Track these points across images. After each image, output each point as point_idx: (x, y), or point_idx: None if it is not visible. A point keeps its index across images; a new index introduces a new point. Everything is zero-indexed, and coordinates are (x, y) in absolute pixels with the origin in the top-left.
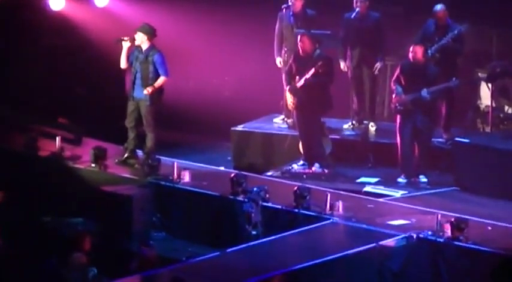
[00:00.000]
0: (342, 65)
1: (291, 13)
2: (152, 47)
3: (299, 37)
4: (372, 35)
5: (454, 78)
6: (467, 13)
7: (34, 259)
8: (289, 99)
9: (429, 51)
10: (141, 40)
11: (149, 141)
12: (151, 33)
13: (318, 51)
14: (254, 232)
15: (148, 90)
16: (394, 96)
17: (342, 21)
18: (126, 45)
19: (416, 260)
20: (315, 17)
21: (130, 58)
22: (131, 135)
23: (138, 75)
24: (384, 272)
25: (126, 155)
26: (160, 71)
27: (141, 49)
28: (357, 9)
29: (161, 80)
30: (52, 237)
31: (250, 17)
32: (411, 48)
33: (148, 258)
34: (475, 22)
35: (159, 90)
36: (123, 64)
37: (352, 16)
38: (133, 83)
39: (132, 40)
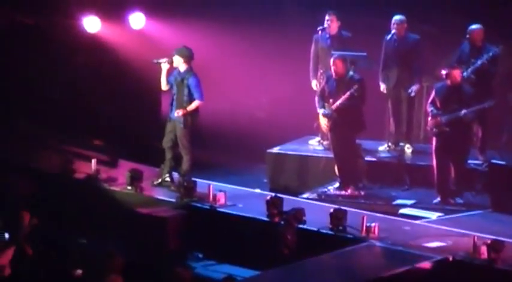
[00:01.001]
0: (382, 87)
1: (327, 35)
2: (189, 70)
3: (332, 60)
4: (410, 56)
5: (489, 100)
6: (502, 34)
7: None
8: (323, 121)
9: (465, 73)
10: (179, 63)
11: (185, 164)
12: (188, 56)
13: (351, 73)
14: (290, 254)
15: (178, 113)
16: (429, 118)
17: (383, 43)
18: (164, 66)
19: None
20: (351, 39)
21: (170, 79)
22: (168, 156)
23: (175, 97)
24: None
25: (162, 177)
26: (194, 95)
27: (179, 71)
28: (393, 31)
29: (195, 103)
30: (86, 258)
31: (285, 38)
32: (448, 71)
33: (183, 279)
34: (511, 43)
35: (194, 114)
36: (164, 86)
37: (388, 38)
38: (171, 104)
39: (170, 62)
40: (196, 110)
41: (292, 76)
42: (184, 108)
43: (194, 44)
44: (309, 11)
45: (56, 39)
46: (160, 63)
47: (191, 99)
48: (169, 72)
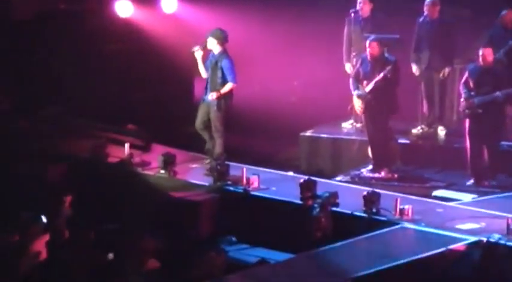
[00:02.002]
0: (414, 68)
1: (359, 18)
2: (223, 52)
3: (368, 42)
4: (442, 39)
5: None
6: None
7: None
8: (357, 103)
9: (497, 56)
10: (213, 45)
11: (218, 147)
12: (221, 38)
13: (385, 55)
14: (323, 237)
15: (212, 96)
16: (462, 100)
17: (415, 25)
18: (198, 54)
19: (486, 265)
20: (384, 20)
21: (207, 64)
22: (206, 137)
23: (209, 80)
24: (454, 276)
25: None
26: (228, 77)
27: (213, 54)
28: (425, 13)
29: (228, 86)
30: (120, 242)
31: (318, 21)
32: (481, 52)
33: (217, 263)
34: None
35: (227, 96)
36: (203, 74)
37: (421, 20)
38: (206, 87)
39: (204, 48)
40: (230, 92)
41: (326, 59)
42: (218, 90)
43: (226, 27)
44: None
45: (89, 25)
46: (193, 51)
47: (224, 82)
48: (205, 57)
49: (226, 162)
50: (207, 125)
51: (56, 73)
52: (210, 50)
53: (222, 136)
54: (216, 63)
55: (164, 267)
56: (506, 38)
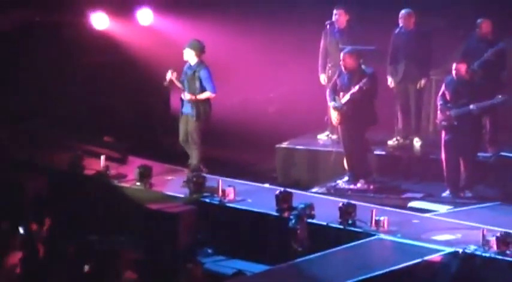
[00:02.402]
0: (389, 80)
1: (335, 29)
2: (200, 62)
3: (342, 55)
4: (418, 50)
5: (499, 96)
6: (511, 27)
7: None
8: (334, 115)
9: (472, 67)
10: (190, 56)
11: (193, 159)
12: (199, 48)
13: (362, 67)
14: (300, 249)
15: (186, 96)
16: (439, 112)
17: (391, 37)
18: (173, 76)
19: (462, 276)
20: (360, 32)
21: (182, 78)
22: (189, 151)
23: (187, 91)
24: None
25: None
26: (207, 87)
27: (190, 65)
28: (400, 25)
29: (205, 94)
30: (97, 255)
31: (295, 33)
32: (454, 66)
33: (194, 275)
34: None
35: (206, 107)
36: (182, 89)
37: (397, 31)
38: (182, 99)
39: (174, 69)
40: (209, 103)
41: (302, 71)
42: (195, 95)
43: (203, 39)
44: (319, 6)
45: (65, 37)
46: (167, 80)
47: (203, 92)
48: (179, 75)
49: (203, 174)
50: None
51: (33, 85)
52: (186, 61)
53: (198, 148)
54: (194, 73)
55: (141, 278)
56: (481, 49)
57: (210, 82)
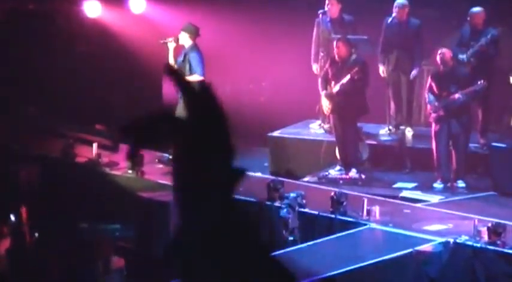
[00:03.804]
0: (381, 69)
1: (328, 19)
2: (193, 45)
3: (335, 42)
4: (410, 41)
5: (480, 82)
6: (503, 17)
7: (68, 263)
8: (325, 104)
9: (465, 57)
10: (184, 39)
11: None
12: (193, 32)
13: (354, 56)
14: (291, 238)
15: None
16: (427, 105)
17: (382, 26)
18: (171, 46)
19: (453, 265)
20: (352, 22)
21: (178, 60)
22: None
23: None
24: (421, 277)
25: None
26: (195, 70)
27: (184, 47)
28: (393, 15)
29: (194, 77)
30: (87, 243)
31: (287, 22)
32: (438, 51)
33: None
34: None
35: None
36: (173, 63)
37: (389, 21)
38: None
39: (176, 40)
40: None
41: (294, 60)
42: None
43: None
44: None
45: (57, 25)
46: (166, 42)
47: (192, 75)
48: (178, 52)
49: None
50: None
51: (26, 73)
52: (182, 46)
53: None
54: (185, 56)
55: (131, 266)
56: (474, 38)
57: (200, 65)
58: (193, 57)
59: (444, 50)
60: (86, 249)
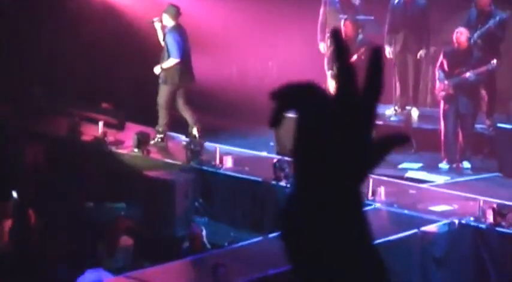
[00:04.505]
0: (388, 50)
1: None
2: (172, 27)
3: (342, 22)
4: (417, 21)
5: (493, 61)
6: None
7: (73, 243)
8: (332, 84)
9: (472, 38)
10: (166, 21)
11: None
12: (172, 12)
13: (360, 36)
14: None
15: (156, 69)
16: (437, 82)
17: (388, 7)
18: (157, 26)
19: (458, 246)
20: (361, 2)
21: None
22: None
23: (161, 56)
24: (426, 258)
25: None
26: (170, 53)
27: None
28: None
29: (169, 61)
30: (93, 222)
31: (293, 2)
32: (455, 31)
33: (197, 235)
34: None
35: (171, 72)
36: (163, 44)
37: (396, 2)
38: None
39: (161, 20)
40: (176, 68)
41: (300, 40)
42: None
43: (202, 8)
44: None
45: (65, 5)
46: (153, 22)
47: (169, 57)
48: (164, 30)
49: (200, 142)
50: (181, 104)
51: (32, 53)
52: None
53: (162, 113)
54: (164, 38)
55: (138, 245)
56: (481, 21)
57: (174, 48)
58: (169, 39)
59: (462, 29)
60: (92, 229)
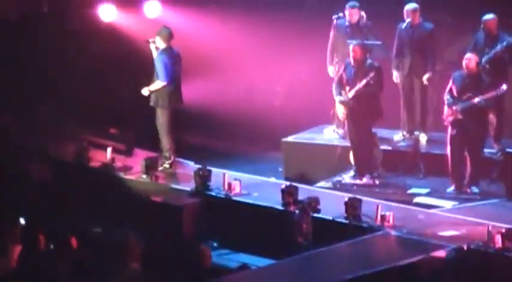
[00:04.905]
0: (395, 75)
1: (345, 23)
2: (162, 50)
3: (351, 47)
4: (424, 45)
5: (502, 86)
6: None
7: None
8: (340, 109)
9: (480, 63)
10: (159, 43)
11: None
12: (164, 35)
13: (369, 61)
14: (305, 243)
15: (144, 91)
16: (446, 107)
17: (396, 31)
18: (152, 46)
19: (467, 271)
20: (371, 27)
21: None
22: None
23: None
24: None
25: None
26: (158, 76)
27: None
28: (408, 20)
29: (156, 84)
30: (102, 246)
31: (302, 26)
32: (465, 56)
33: (206, 255)
34: None
35: (161, 94)
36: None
37: (403, 26)
38: None
39: (154, 41)
40: (166, 90)
41: (308, 64)
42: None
43: (210, 32)
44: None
45: (72, 28)
46: (148, 43)
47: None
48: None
49: (208, 168)
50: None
51: (41, 73)
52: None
53: (163, 137)
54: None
55: (146, 270)
56: (488, 45)
57: (162, 69)
58: (158, 61)
59: (470, 55)
60: (100, 253)
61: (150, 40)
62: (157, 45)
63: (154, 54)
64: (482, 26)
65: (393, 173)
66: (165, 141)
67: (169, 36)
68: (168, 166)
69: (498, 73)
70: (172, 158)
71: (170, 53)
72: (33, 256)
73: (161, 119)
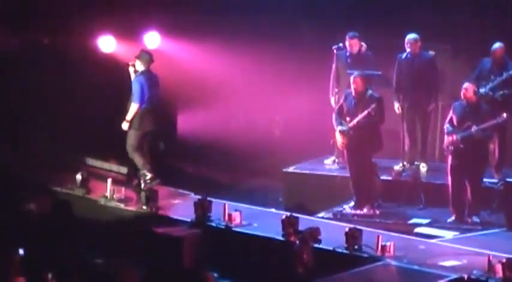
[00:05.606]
0: (396, 106)
1: (346, 54)
2: (140, 73)
3: (352, 78)
4: (424, 74)
5: (502, 115)
6: None
7: None
8: (340, 139)
9: (484, 90)
10: (138, 66)
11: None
12: (144, 59)
13: (369, 91)
14: (306, 273)
15: (123, 126)
16: (446, 137)
17: (396, 61)
18: (131, 70)
19: None
20: (371, 57)
21: None
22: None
23: None
24: None
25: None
26: (132, 98)
27: None
28: (408, 50)
29: (130, 109)
30: (102, 277)
31: (300, 57)
32: (463, 86)
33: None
34: None
35: (137, 117)
36: None
37: (403, 56)
38: None
39: (133, 64)
40: (141, 113)
41: (308, 95)
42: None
43: (210, 62)
44: (324, 30)
45: (72, 59)
46: (128, 66)
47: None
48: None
49: (209, 198)
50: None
51: (40, 107)
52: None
53: (133, 153)
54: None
55: None
56: (494, 73)
57: (136, 92)
58: (134, 84)
59: (468, 84)
60: None
61: (130, 63)
62: (136, 68)
63: (133, 76)
64: (490, 53)
65: (394, 203)
66: (137, 159)
67: (149, 60)
68: (149, 181)
69: (501, 101)
70: (150, 172)
71: (148, 75)
72: None
73: (130, 139)
